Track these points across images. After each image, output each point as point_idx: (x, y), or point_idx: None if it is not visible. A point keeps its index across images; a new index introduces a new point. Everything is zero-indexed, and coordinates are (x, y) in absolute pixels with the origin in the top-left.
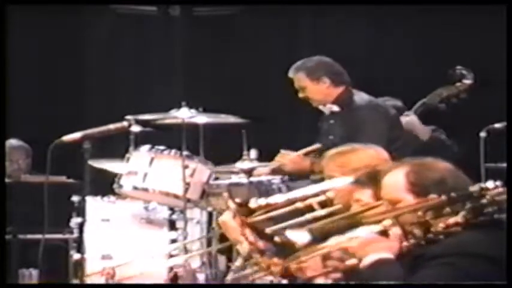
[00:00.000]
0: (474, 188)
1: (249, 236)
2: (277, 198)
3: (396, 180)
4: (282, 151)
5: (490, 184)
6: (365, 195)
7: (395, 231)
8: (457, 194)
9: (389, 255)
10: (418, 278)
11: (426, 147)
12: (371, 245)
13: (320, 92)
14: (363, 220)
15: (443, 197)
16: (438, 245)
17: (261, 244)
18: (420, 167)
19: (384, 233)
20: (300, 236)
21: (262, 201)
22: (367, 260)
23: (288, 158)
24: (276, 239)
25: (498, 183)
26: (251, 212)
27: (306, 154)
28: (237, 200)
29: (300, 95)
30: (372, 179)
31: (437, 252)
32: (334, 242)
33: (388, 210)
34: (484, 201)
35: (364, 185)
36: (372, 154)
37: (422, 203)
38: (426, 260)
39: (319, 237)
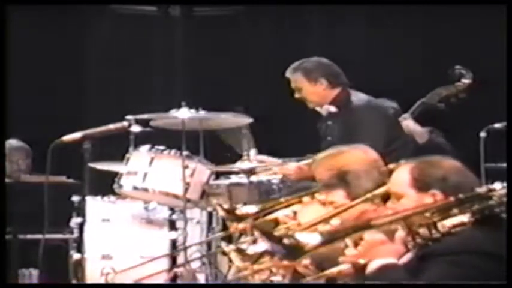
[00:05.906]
0: (481, 189)
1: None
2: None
3: (402, 175)
4: (278, 161)
5: (497, 185)
6: (337, 196)
7: (400, 234)
8: (465, 195)
9: (394, 260)
10: (424, 277)
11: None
12: (376, 248)
13: (317, 93)
14: (372, 223)
15: (452, 199)
16: (443, 244)
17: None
18: (425, 163)
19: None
20: (310, 238)
21: (248, 209)
22: (373, 266)
23: (289, 169)
24: (285, 241)
25: (505, 184)
26: (238, 218)
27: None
28: (225, 207)
29: (296, 95)
30: (341, 180)
31: (443, 251)
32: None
33: (397, 212)
34: (491, 202)
35: (334, 187)
36: (359, 155)
37: (431, 205)
38: (432, 259)
39: (329, 239)
